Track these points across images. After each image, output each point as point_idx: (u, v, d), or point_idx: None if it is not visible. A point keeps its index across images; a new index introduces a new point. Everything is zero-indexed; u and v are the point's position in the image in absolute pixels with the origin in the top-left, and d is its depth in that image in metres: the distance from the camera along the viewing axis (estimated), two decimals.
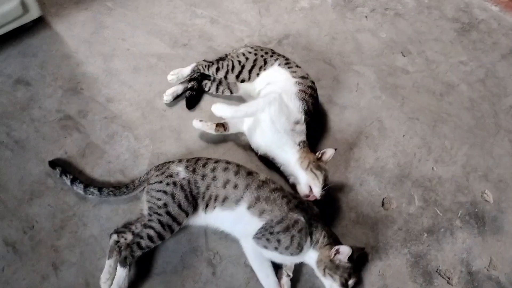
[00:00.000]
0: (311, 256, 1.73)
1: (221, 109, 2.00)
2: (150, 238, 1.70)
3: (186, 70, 2.33)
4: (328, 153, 1.96)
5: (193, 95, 2.30)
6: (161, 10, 2.75)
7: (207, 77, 2.34)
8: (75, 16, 2.62)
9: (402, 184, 2.16)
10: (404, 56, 2.73)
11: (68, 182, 1.90)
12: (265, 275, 1.76)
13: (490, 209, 2.13)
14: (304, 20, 2.85)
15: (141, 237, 1.71)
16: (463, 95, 2.57)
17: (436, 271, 1.93)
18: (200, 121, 2.12)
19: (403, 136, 2.34)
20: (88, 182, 1.93)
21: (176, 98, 2.30)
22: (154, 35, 2.60)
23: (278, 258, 1.76)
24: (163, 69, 2.42)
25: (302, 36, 2.75)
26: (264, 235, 1.70)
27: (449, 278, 1.91)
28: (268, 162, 2.10)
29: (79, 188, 1.88)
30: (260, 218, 1.72)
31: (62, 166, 1.95)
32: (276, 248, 1.69)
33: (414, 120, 2.41)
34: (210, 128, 2.10)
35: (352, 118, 2.38)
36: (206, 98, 2.34)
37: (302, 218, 1.71)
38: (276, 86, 2.12)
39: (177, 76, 2.31)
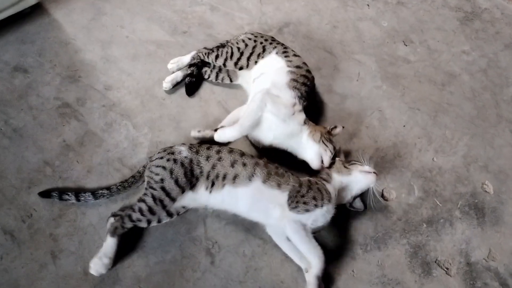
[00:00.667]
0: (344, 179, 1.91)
1: (223, 135, 1.97)
2: (140, 211, 1.72)
3: (186, 59, 2.32)
4: (338, 129, 2.08)
5: (192, 81, 2.28)
6: None
7: (206, 64, 2.32)
8: (74, 2, 2.59)
9: (402, 175, 2.16)
10: (406, 45, 2.70)
11: (73, 200, 1.85)
12: (313, 246, 1.75)
13: (490, 200, 2.13)
14: (305, 8, 2.82)
15: (133, 210, 1.73)
16: (465, 85, 2.54)
17: (435, 262, 1.93)
18: (199, 131, 2.09)
19: (404, 126, 2.32)
20: (93, 189, 1.90)
21: (176, 85, 2.29)
22: (153, 22, 2.58)
23: (321, 216, 1.78)
24: (163, 56, 2.40)
25: (303, 24, 2.72)
26: (299, 201, 1.74)
27: (447, 269, 1.91)
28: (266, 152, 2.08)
29: (88, 199, 1.85)
30: (281, 189, 1.78)
31: (57, 190, 1.89)
32: (316, 205, 1.75)
33: (415, 110, 2.39)
34: (210, 137, 2.06)
35: (352, 107, 2.36)
36: (205, 86, 2.32)
37: (308, 177, 1.89)
38: (267, 77, 2.11)
39: (177, 65, 2.31)
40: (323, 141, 1.98)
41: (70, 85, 2.24)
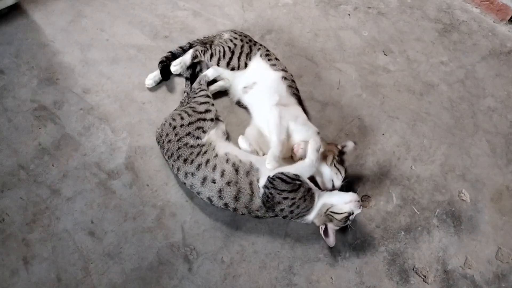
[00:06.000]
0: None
1: (273, 160, 1.82)
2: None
3: (187, 58, 2.27)
4: (349, 146, 2.03)
5: (164, 65, 2.26)
6: (142, 0, 2.70)
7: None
8: (53, 4, 2.55)
9: (381, 182, 2.17)
10: (386, 55, 2.74)
11: None
12: None
13: (467, 208, 2.16)
14: (287, 16, 2.84)
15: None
16: (443, 95, 2.59)
17: (413, 269, 1.94)
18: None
19: (383, 134, 2.34)
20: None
21: (159, 82, 2.30)
22: (134, 26, 2.55)
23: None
24: (143, 61, 2.38)
25: (285, 32, 2.73)
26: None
27: (425, 276, 1.93)
28: None
29: None
30: None
31: None
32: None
33: (394, 119, 2.42)
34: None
35: (332, 115, 2.37)
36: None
37: None
38: (263, 87, 2.14)
39: (180, 66, 2.24)
40: (334, 165, 1.95)
41: (47, 87, 2.20)
